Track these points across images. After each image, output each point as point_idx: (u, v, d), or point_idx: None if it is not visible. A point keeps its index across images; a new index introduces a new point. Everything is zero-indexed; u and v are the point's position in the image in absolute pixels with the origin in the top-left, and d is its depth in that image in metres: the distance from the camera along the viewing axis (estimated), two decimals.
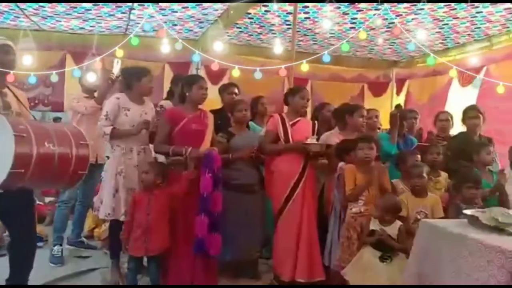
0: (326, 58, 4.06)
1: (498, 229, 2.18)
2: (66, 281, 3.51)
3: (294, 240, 3.38)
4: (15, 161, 2.12)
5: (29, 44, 4.53)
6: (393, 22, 4.51)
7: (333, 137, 3.63)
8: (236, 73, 4.36)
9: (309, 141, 3.37)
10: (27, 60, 4.17)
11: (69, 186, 2.78)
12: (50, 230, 4.28)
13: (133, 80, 3.38)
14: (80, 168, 2.44)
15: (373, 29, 5.23)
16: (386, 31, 5.32)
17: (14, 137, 2.13)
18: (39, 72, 3.87)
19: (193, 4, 4.61)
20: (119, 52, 3.86)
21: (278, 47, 5.09)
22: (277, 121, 3.53)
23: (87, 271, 3.70)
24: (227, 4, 4.41)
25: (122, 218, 3.26)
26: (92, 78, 4.03)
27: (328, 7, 4.59)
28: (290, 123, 3.52)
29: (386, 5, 4.10)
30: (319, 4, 4.53)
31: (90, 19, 5.17)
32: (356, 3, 4.36)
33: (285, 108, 3.82)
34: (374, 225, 2.93)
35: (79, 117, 3.98)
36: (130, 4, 4.60)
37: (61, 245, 3.95)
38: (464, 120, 3.98)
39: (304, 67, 4.12)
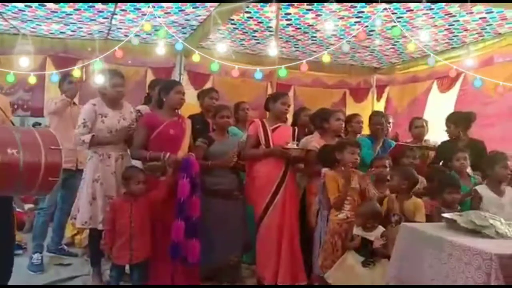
0: (326, 58, 4.05)
1: (476, 231, 2.25)
2: None
3: (276, 244, 3.40)
4: None
5: (6, 50, 4.47)
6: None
7: (313, 141, 3.67)
8: (235, 72, 4.29)
9: (289, 146, 3.41)
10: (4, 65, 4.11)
11: (43, 194, 2.67)
12: (29, 237, 4.20)
13: (101, 86, 3.35)
14: (51, 175, 2.27)
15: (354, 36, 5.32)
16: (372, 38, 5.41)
17: None
18: (38, 72, 3.80)
19: (176, 10, 4.62)
20: (119, 53, 3.82)
21: (273, 50, 5.10)
22: (258, 126, 3.57)
23: (68, 278, 3.64)
24: (226, 5, 4.39)
25: (100, 227, 3.20)
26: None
27: (310, 15, 4.65)
28: (271, 128, 3.55)
29: (377, 7, 4.10)
30: (300, 12, 4.58)
31: (71, 23, 5.12)
32: (354, 4, 4.37)
33: (267, 113, 3.85)
34: (356, 230, 2.98)
35: (56, 121, 3.94)
36: (112, 9, 4.57)
37: (41, 252, 3.88)
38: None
39: (304, 67, 4.07)
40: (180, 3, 4.39)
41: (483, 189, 3.24)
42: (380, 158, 3.56)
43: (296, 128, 3.75)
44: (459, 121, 3.98)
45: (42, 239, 3.98)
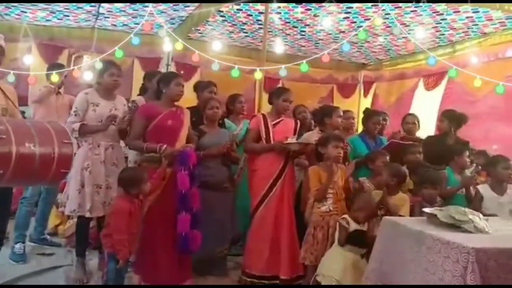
0: (326, 58, 4.03)
1: (455, 226, 2.30)
2: (27, 279, 3.40)
3: (269, 236, 3.41)
4: None
5: None
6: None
7: (314, 136, 3.71)
8: (236, 72, 4.18)
9: (289, 140, 3.43)
10: None
11: (52, 184, 2.76)
12: (11, 227, 4.14)
13: (97, 75, 3.34)
14: (63, 167, 2.42)
15: (343, 32, 5.35)
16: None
17: None
18: (38, 72, 3.75)
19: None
20: (119, 52, 3.78)
21: (279, 47, 5.07)
22: (259, 120, 3.58)
23: (50, 268, 3.61)
24: (224, 4, 4.36)
25: (87, 215, 3.21)
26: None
27: (299, 9, 4.66)
28: (272, 123, 3.57)
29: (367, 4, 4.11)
30: (290, 5, 4.58)
31: (57, 11, 5.04)
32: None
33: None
34: (353, 225, 2.96)
35: (40, 110, 3.92)
36: None
37: (23, 242, 3.84)
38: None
39: (304, 67, 4.05)
40: None
41: (484, 189, 3.39)
42: (381, 154, 3.59)
43: (298, 121, 3.77)
44: (453, 118, 4.06)
45: (25, 229, 3.93)
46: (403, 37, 5.44)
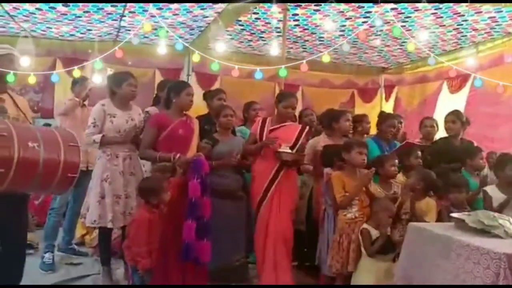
0: (326, 58, 4.04)
1: (484, 231, 2.24)
2: None
3: (261, 244, 3.41)
4: None
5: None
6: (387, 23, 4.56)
7: (321, 142, 3.66)
8: (236, 73, 4.27)
9: (281, 149, 3.35)
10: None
11: (62, 190, 2.65)
12: (40, 237, 4.24)
13: (113, 87, 3.39)
14: (70, 171, 2.34)
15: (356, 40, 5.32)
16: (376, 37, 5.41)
17: None
18: (39, 72, 3.83)
19: (184, 12, 4.65)
20: (119, 52, 3.85)
21: (274, 49, 5.08)
22: (258, 124, 3.57)
23: (78, 278, 3.68)
24: (225, 4, 4.40)
25: (109, 225, 3.25)
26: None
27: (318, 15, 4.66)
28: (272, 127, 3.52)
29: (385, 7, 4.09)
30: (308, 12, 4.59)
31: (80, 25, 5.18)
32: (355, 4, 4.35)
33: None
34: (374, 233, 2.93)
35: (66, 123, 4.00)
36: (120, 11, 4.62)
37: (52, 252, 3.92)
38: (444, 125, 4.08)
39: (304, 67, 4.05)
40: (187, 4, 4.41)
41: (492, 190, 3.25)
42: (389, 157, 3.49)
43: (307, 127, 3.70)
44: (465, 121, 4.01)
45: (54, 239, 4.03)
46: (425, 46, 5.38)
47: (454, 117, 4.02)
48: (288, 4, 4.25)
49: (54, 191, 2.92)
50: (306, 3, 4.32)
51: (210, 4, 4.43)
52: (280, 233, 3.40)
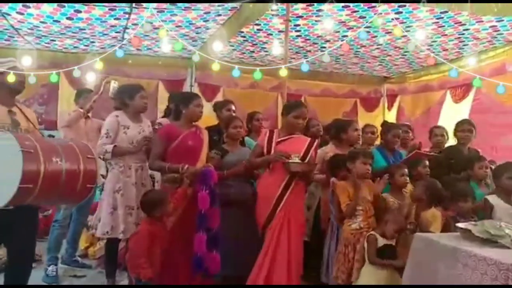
0: (326, 58, 4.01)
1: (491, 241, 2.22)
2: None
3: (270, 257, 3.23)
4: (23, 176, 2.13)
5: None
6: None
7: (330, 152, 3.64)
8: (236, 73, 4.23)
9: (290, 160, 3.23)
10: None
11: (80, 200, 2.71)
12: (43, 249, 4.22)
13: (126, 99, 3.42)
14: (89, 182, 2.45)
15: (364, 46, 5.35)
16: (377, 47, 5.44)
17: (21, 152, 2.15)
18: (39, 72, 3.85)
19: (187, 24, 4.69)
20: (119, 52, 3.86)
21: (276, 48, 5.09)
22: (265, 136, 3.48)
23: None
24: (227, 4, 4.41)
25: (120, 236, 3.26)
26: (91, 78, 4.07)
27: (319, 26, 4.69)
28: (279, 139, 3.39)
29: (386, 17, 4.09)
30: (310, 23, 4.62)
31: (84, 38, 5.22)
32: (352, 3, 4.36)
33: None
34: (380, 241, 2.92)
35: (70, 134, 4.00)
36: (124, 24, 4.66)
37: (56, 264, 3.91)
38: (455, 133, 4.05)
39: (304, 67, 4.02)
40: (190, 16, 4.45)
41: (494, 199, 3.22)
42: (399, 167, 3.45)
43: (317, 139, 3.64)
44: (475, 130, 4.00)
45: (57, 251, 4.01)
46: (426, 49, 5.40)
47: (470, 125, 4.00)
48: (290, 15, 4.28)
49: (72, 201, 3.03)
50: (308, 10, 4.34)
51: (213, 16, 4.47)
52: (290, 260, 3.19)
